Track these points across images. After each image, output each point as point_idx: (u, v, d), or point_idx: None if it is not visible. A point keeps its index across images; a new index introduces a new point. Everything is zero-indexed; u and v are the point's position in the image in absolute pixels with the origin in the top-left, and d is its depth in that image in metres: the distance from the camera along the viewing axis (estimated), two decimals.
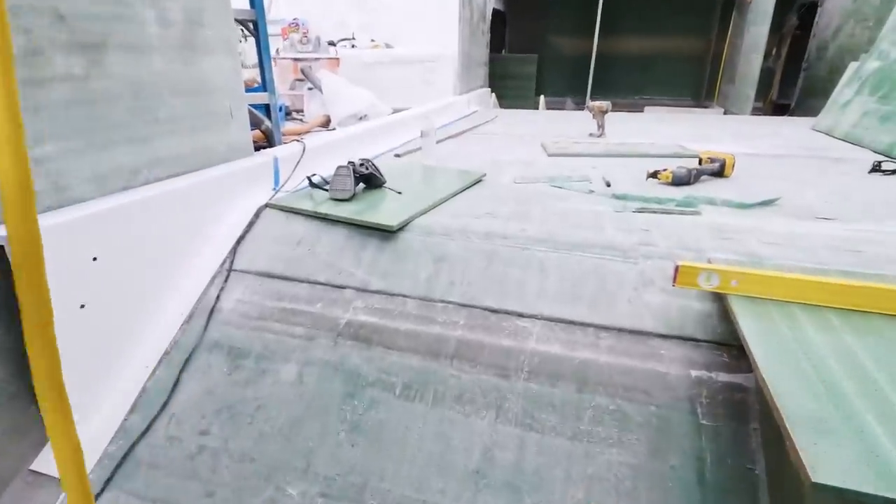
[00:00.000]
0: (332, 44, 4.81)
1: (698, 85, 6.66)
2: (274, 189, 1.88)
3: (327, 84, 3.69)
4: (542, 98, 5.11)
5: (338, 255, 1.55)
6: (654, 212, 1.68)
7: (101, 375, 1.29)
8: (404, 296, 1.41)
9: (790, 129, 3.50)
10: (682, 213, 1.67)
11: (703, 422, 1.07)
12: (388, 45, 5.00)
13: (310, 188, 1.84)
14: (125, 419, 1.28)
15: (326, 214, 1.64)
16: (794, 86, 5.50)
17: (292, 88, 4.32)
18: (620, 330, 1.24)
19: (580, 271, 1.37)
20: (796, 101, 5.22)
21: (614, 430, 1.09)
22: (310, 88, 3.95)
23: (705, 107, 6.38)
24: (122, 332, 1.35)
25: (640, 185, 2.04)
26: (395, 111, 3.74)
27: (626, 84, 6.68)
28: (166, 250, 1.47)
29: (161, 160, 1.49)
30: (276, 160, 1.92)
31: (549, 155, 2.65)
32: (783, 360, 0.92)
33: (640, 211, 1.68)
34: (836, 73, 4.49)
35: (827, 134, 3.27)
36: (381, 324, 1.36)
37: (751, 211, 1.72)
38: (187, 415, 1.27)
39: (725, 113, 5.59)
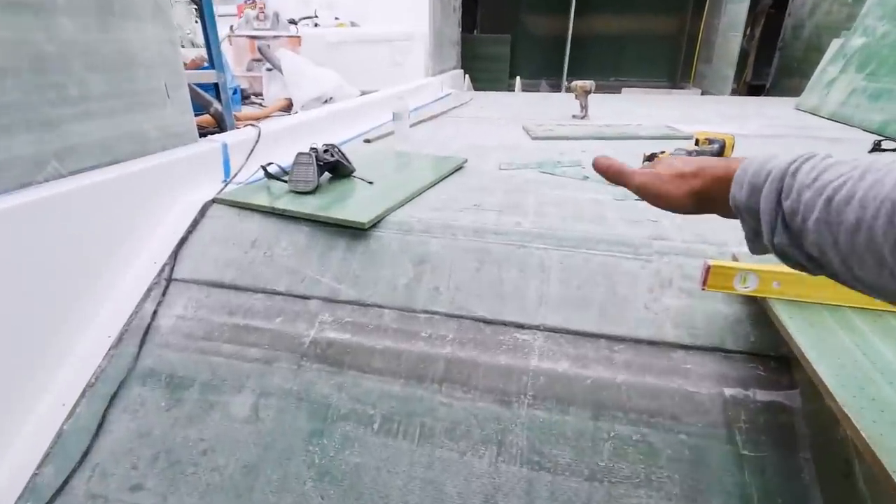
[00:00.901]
0: (292, 22, 4.46)
1: (674, 66, 6.56)
2: (223, 181, 1.61)
3: (288, 64, 3.38)
4: (518, 79, 4.90)
5: (300, 258, 1.31)
6: None
7: (2, 420, 1.03)
8: (380, 306, 1.19)
9: (774, 109, 3.40)
10: None
11: (745, 452, 0.90)
12: (353, 24, 4.68)
13: (266, 180, 1.59)
14: (35, 473, 1.03)
15: (285, 210, 1.39)
16: (768, 66, 5.44)
17: (249, 69, 3.97)
18: (637, 341, 1.06)
19: (586, 272, 1.18)
20: (772, 81, 5.17)
21: (640, 465, 0.91)
22: (269, 69, 3.63)
23: (681, 88, 6.30)
24: (28, 365, 1.08)
25: None
26: (363, 94, 3.47)
27: (601, 65, 6.51)
28: (87, 260, 1.20)
29: (75, 149, 1.22)
30: (225, 147, 1.65)
31: (534, 138, 2.44)
32: (855, 380, 0.75)
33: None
34: (813, 51, 4.44)
35: (812, 113, 3.18)
36: (353, 341, 1.14)
37: None
38: (115, 464, 1.03)
39: (703, 94, 5.51)
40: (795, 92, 4.33)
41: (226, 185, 1.57)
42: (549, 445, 0.95)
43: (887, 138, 2.19)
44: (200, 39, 4.06)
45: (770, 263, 1.01)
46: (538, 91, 6.29)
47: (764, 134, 2.53)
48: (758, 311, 1.04)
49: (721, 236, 1.23)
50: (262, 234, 1.37)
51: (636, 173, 0.67)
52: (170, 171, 1.45)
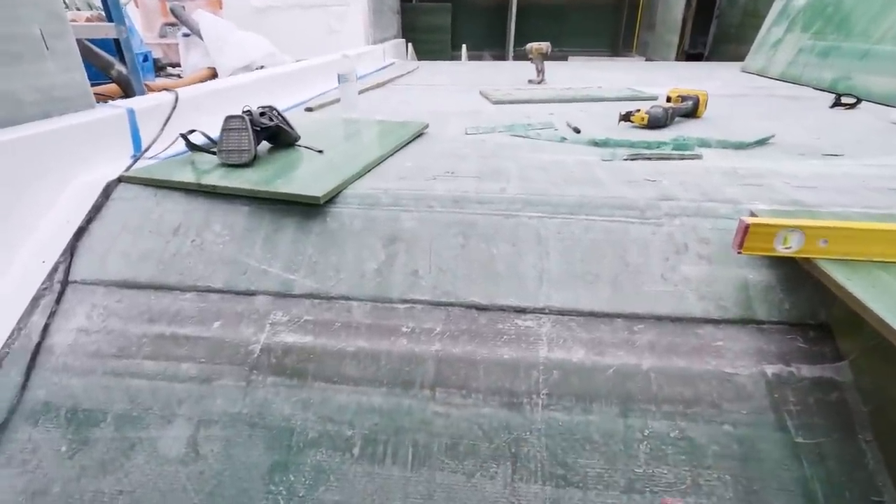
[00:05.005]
0: None
1: (615, 34, 6.55)
2: (133, 156, 1.30)
3: (208, 28, 2.95)
4: (464, 48, 4.66)
5: (240, 245, 1.05)
6: (649, 158, 1.36)
7: None
8: (347, 298, 0.97)
9: (723, 72, 3.39)
10: (681, 157, 1.37)
11: (799, 439, 0.77)
12: None
13: (189, 152, 1.29)
14: None
15: (216, 187, 1.12)
16: (703, 35, 5.53)
17: (163, 36, 3.47)
18: (659, 318, 0.91)
19: (589, 241, 1.01)
20: (709, 48, 5.25)
21: (684, 468, 0.76)
22: (185, 35, 3.17)
23: (624, 56, 6.31)
24: None
25: (612, 130, 1.71)
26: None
27: (544, 35, 6.32)
28: None
29: None
30: (132, 114, 1.33)
31: (495, 103, 2.25)
32: None
33: (633, 158, 1.35)
34: (750, 17, 4.51)
35: (760, 74, 3.19)
36: (317, 345, 0.91)
37: (752, 151, 1.45)
38: None
39: (647, 61, 5.53)
40: (733, 58, 4.40)
41: (136, 160, 1.26)
42: (574, 454, 0.78)
43: (843, 94, 2.18)
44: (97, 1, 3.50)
45: (815, 218, 0.88)
46: (480, 61, 6.09)
47: (725, 94, 2.47)
48: (789, 274, 0.91)
49: (729, 193, 1.10)
50: (187, 218, 1.10)
51: None
52: (57, 144, 1.12)
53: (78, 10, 3.35)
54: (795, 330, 0.87)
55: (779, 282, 0.92)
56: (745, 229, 0.80)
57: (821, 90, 2.54)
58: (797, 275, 0.91)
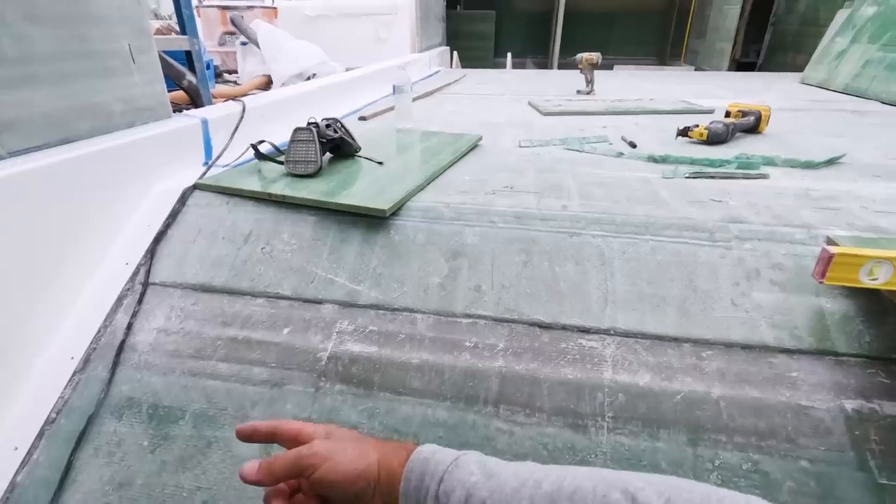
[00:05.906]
0: None
1: (663, 42, 6.41)
2: (205, 164, 1.36)
3: (265, 37, 3.07)
4: (509, 56, 4.67)
5: (307, 254, 1.09)
6: (713, 177, 1.33)
7: None
8: (411, 310, 0.99)
9: (781, 84, 3.27)
10: (746, 177, 1.33)
11: (882, 480, 0.74)
12: None
13: (257, 161, 1.35)
14: None
15: (285, 197, 1.16)
16: (756, 43, 5.34)
17: (222, 44, 3.63)
18: (729, 345, 0.88)
19: (656, 263, 0.99)
20: (764, 57, 5.07)
21: None
22: (243, 43, 3.30)
23: (671, 65, 6.16)
24: None
25: (669, 145, 1.68)
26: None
27: (589, 43, 6.25)
28: (38, 263, 0.96)
29: (13, 124, 0.96)
30: (205, 124, 1.40)
31: (545, 114, 2.24)
32: None
33: (695, 176, 1.32)
34: (809, 25, 4.34)
35: (821, 87, 3.06)
36: (382, 355, 0.93)
37: (822, 171, 1.40)
38: None
39: (697, 70, 5.39)
40: (789, 68, 4.25)
41: (208, 168, 1.32)
42: None
43: None
44: (164, 10, 3.69)
45: (867, 245, 0.84)
46: (524, 69, 6.07)
47: (786, 107, 2.39)
48: (869, 305, 0.88)
49: (804, 217, 1.06)
50: (257, 226, 1.14)
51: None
52: (140, 152, 1.19)
53: None
54: (876, 364, 0.83)
55: (858, 313, 0.88)
56: (829, 259, 0.78)
57: (891, 105, 2.42)
58: (878, 306, 0.87)
